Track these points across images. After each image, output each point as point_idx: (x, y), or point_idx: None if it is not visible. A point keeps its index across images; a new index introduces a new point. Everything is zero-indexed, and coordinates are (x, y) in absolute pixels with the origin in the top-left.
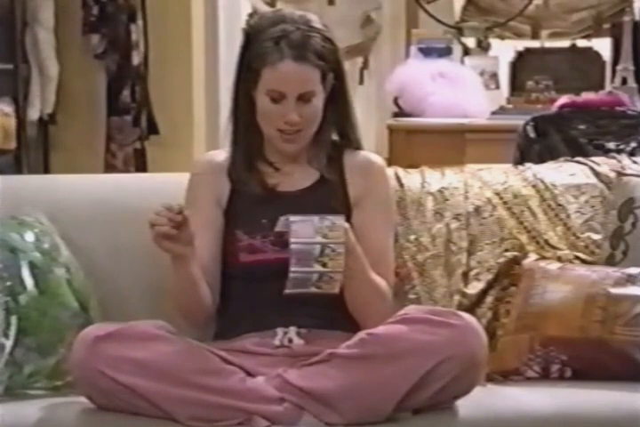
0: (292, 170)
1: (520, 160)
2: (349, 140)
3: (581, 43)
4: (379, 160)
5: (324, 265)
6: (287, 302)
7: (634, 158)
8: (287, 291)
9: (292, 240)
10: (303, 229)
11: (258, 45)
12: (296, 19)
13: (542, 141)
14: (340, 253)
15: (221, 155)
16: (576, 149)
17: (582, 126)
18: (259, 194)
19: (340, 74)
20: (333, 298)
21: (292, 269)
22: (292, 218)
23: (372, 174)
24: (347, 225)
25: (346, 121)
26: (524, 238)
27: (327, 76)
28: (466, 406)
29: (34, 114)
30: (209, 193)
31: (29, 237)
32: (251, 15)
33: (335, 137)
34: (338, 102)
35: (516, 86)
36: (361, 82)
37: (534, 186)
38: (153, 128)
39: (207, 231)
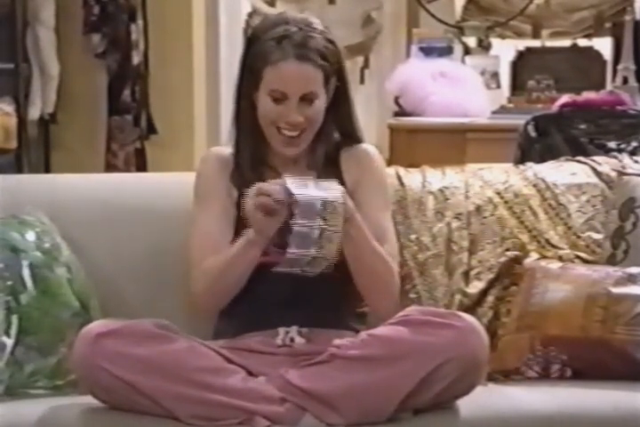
0: (291, 173)
1: (521, 159)
2: (351, 139)
3: (582, 42)
4: (373, 149)
5: (325, 220)
6: (289, 301)
7: (635, 158)
8: (279, 269)
9: (296, 222)
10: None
11: (260, 46)
12: (298, 20)
13: (543, 141)
14: (337, 237)
15: (227, 151)
16: (577, 149)
17: (583, 126)
18: None
19: (343, 76)
20: (335, 297)
21: (290, 250)
22: (299, 198)
23: (365, 160)
24: (342, 189)
25: (348, 123)
26: (524, 238)
27: (330, 80)
28: (466, 405)
29: (35, 113)
30: (223, 183)
31: (30, 236)
32: (250, 15)
33: (336, 135)
34: (340, 104)
35: (516, 86)
36: (362, 81)
37: (535, 185)
38: (151, 128)
39: (225, 219)
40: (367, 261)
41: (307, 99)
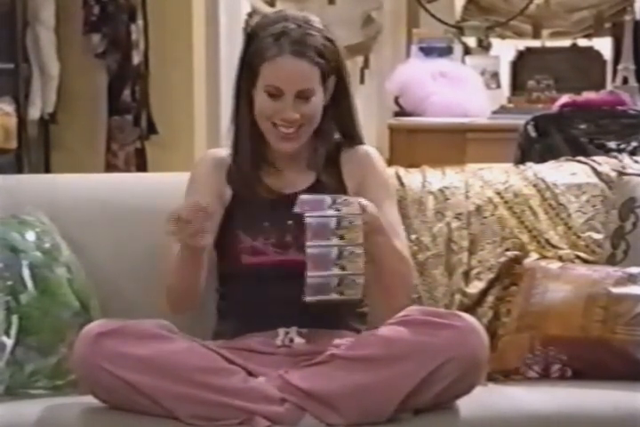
0: (291, 172)
1: (521, 159)
2: (352, 139)
3: (582, 42)
4: (373, 150)
5: (343, 268)
6: (288, 302)
7: (635, 158)
8: (307, 298)
9: (308, 244)
10: (319, 231)
11: (258, 42)
12: (297, 17)
13: (543, 141)
14: (359, 255)
15: (224, 153)
16: (577, 149)
17: (583, 126)
18: (260, 197)
19: (342, 75)
20: None
21: (309, 274)
22: (308, 220)
23: (366, 161)
24: (372, 214)
25: (349, 122)
26: (524, 238)
27: (328, 78)
28: (467, 405)
29: (35, 113)
30: (212, 185)
31: (30, 236)
32: (250, 15)
33: (337, 136)
34: (340, 103)
35: (516, 86)
36: (362, 81)
37: (535, 185)
38: (152, 128)
39: None
40: (392, 263)
41: (303, 96)
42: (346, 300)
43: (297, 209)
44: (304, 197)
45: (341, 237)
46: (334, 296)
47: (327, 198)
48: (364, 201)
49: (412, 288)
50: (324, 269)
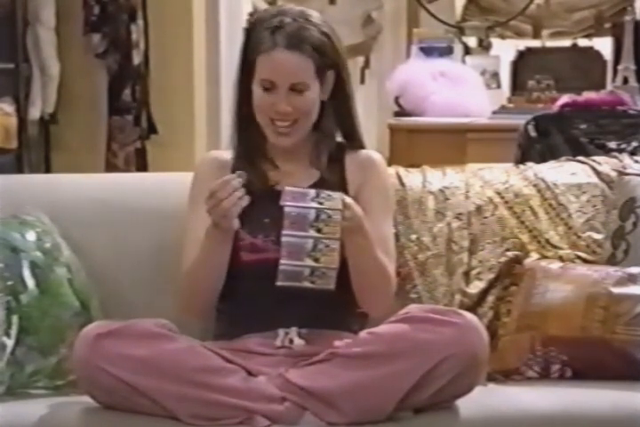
0: (293, 169)
1: (521, 159)
2: (352, 140)
3: (582, 42)
4: (377, 156)
5: (317, 260)
6: (288, 301)
7: (635, 158)
8: (279, 283)
9: (284, 233)
10: (297, 221)
11: (255, 36)
12: (295, 12)
13: (543, 141)
14: (334, 249)
15: (225, 154)
16: (577, 149)
17: (583, 126)
18: (261, 193)
19: (341, 71)
20: (335, 298)
21: (282, 261)
22: (288, 209)
23: (369, 167)
24: (354, 212)
25: (348, 119)
26: (525, 238)
27: (325, 73)
28: (466, 405)
29: (35, 113)
30: None
31: (31, 236)
32: (251, 14)
33: (339, 138)
34: (339, 100)
35: (517, 86)
36: (362, 81)
37: (535, 185)
38: (152, 128)
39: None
40: (369, 270)
41: (296, 89)
42: (318, 289)
43: (282, 201)
44: (288, 188)
45: (319, 230)
46: (306, 284)
47: (311, 192)
48: (347, 199)
49: (390, 301)
50: (297, 259)
